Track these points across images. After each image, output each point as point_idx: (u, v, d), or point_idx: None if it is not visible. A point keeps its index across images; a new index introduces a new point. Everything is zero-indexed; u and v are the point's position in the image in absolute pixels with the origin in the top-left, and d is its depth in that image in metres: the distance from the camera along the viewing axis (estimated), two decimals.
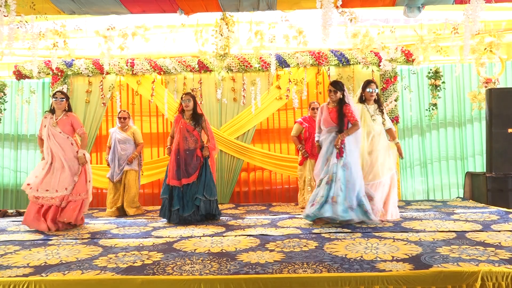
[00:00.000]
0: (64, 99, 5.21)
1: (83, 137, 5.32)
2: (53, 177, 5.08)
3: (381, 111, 5.29)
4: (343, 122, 4.87)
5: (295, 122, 6.65)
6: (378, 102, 5.31)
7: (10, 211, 6.77)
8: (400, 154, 5.43)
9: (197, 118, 5.52)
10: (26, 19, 5.25)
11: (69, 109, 5.32)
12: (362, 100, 5.31)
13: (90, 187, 5.32)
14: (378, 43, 6.53)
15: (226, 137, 7.36)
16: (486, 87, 6.71)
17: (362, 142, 5.15)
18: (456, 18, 6.11)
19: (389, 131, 5.38)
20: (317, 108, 6.12)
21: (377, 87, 5.30)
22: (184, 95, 5.55)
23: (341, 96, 4.93)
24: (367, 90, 5.23)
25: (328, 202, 4.77)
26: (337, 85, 4.94)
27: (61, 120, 5.18)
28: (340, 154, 4.83)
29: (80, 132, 5.29)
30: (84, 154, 5.21)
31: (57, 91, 5.32)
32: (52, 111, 5.26)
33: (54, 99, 5.20)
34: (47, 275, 3.11)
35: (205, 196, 5.36)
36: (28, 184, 5.10)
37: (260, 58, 7.21)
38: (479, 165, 7.41)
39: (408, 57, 7.00)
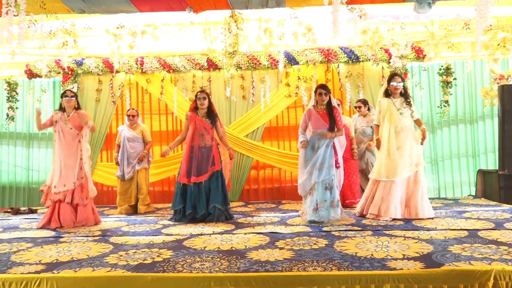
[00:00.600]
0: (74, 97, 5.34)
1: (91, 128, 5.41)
2: (63, 173, 5.17)
3: (409, 104, 5.16)
4: (334, 124, 5.00)
5: None
6: (404, 95, 5.21)
7: (22, 208, 6.85)
8: (422, 139, 5.16)
9: (213, 116, 5.48)
10: (35, 18, 5.30)
11: (78, 107, 5.43)
12: (388, 94, 5.22)
13: (90, 182, 5.37)
14: (388, 39, 6.46)
15: (235, 135, 7.36)
16: (498, 83, 6.61)
17: (388, 137, 5.08)
18: (468, 13, 6.02)
19: (416, 121, 5.28)
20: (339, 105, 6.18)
21: (402, 80, 5.22)
22: (199, 93, 5.50)
23: (328, 98, 5.06)
24: (392, 83, 5.16)
25: (331, 206, 4.94)
26: (327, 88, 5.08)
27: (72, 117, 5.29)
28: (337, 165, 5.03)
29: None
30: (89, 125, 5.24)
31: (67, 90, 5.45)
32: (62, 110, 5.35)
33: (64, 97, 5.32)
34: (58, 272, 3.12)
35: (225, 206, 5.36)
36: (54, 186, 5.16)
37: (269, 55, 7.19)
38: (491, 162, 7.32)
39: (419, 54, 6.93)
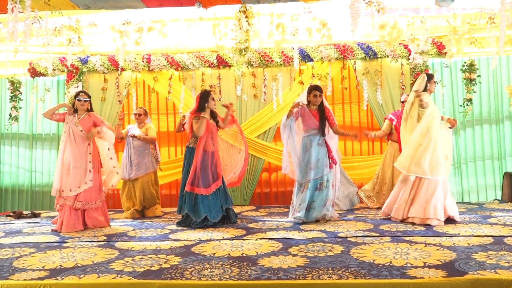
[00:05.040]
0: (88, 100, 5.34)
1: (109, 128, 5.49)
2: (70, 176, 5.13)
3: (421, 106, 5.01)
4: (325, 124, 5.23)
5: (385, 119, 6.41)
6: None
7: (25, 212, 6.74)
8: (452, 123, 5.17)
9: (214, 116, 5.45)
10: (40, 15, 5.23)
11: (91, 109, 5.41)
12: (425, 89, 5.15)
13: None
14: (407, 34, 6.23)
15: (246, 136, 7.09)
16: None
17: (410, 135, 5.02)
18: (493, 6, 5.76)
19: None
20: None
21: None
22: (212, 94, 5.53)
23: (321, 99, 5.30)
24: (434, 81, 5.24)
25: (324, 205, 5.15)
26: (321, 89, 5.28)
27: (83, 120, 5.27)
28: (332, 163, 5.24)
29: (105, 127, 5.42)
30: (98, 132, 5.27)
31: (81, 92, 5.43)
32: (74, 110, 5.32)
33: (78, 100, 5.27)
34: (62, 279, 3.09)
35: (232, 204, 5.46)
36: (63, 191, 5.14)
37: (282, 52, 6.99)
38: None
39: (440, 50, 6.67)
